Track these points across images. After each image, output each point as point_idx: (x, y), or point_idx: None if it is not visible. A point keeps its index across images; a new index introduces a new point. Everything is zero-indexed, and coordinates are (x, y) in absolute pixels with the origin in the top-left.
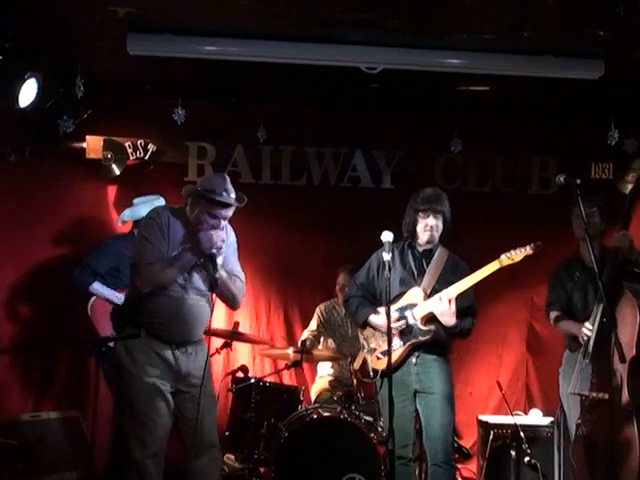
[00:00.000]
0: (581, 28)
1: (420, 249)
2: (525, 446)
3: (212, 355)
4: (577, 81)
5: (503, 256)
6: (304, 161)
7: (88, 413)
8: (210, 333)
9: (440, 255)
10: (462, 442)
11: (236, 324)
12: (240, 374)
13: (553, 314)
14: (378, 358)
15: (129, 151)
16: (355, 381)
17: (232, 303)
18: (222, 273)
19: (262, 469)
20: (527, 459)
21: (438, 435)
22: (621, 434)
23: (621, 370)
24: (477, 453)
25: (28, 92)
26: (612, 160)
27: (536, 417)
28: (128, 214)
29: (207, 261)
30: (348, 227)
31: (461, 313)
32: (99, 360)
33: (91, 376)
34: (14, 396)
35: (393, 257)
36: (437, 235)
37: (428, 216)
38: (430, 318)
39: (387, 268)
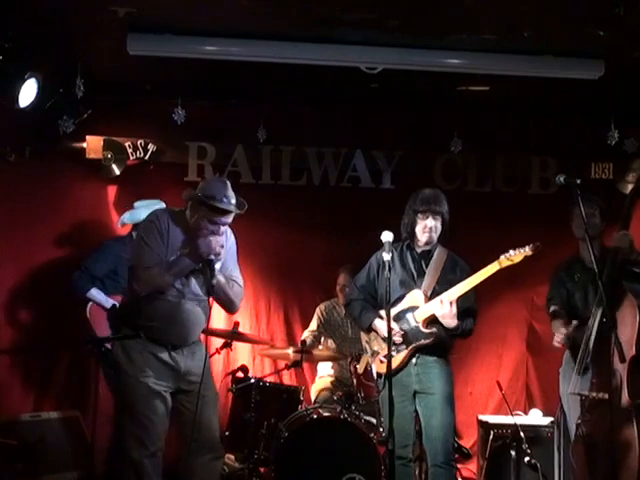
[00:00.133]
0: (581, 28)
1: (419, 250)
2: (525, 446)
3: (212, 355)
4: (577, 81)
5: (502, 257)
6: (304, 161)
7: (88, 413)
8: (210, 333)
9: (439, 255)
10: (462, 442)
11: (236, 324)
12: (240, 374)
13: (552, 308)
14: (381, 362)
15: (129, 151)
16: (355, 381)
17: (230, 308)
18: (220, 278)
19: (262, 469)
20: (527, 459)
21: (438, 436)
22: (621, 434)
23: (621, 370)
24: (477, 453)
25: (28, 92)
26: (612, 160)
27: (536, 417)
28: (128, 217)
29: (205, 266)
30: (348, 227)
31: (462, 314)
32: (99, 360)
33: (91, 376)
34: (14, 396)
35: (392, 258)
36: (436, 236)
37: (427, 217)
38: (432, 320)
39: (387, 268)
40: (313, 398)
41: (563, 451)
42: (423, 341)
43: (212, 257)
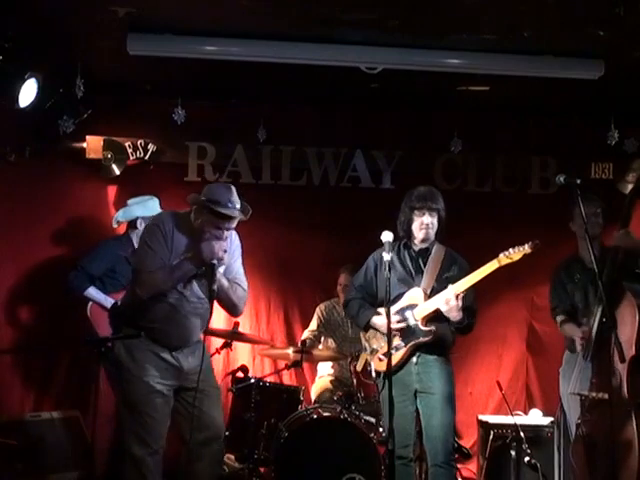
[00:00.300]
0: (581, 28)
1: (416, 248)
2: (525, 446)
3: (212, 355)
4: (577, 81)
5: (502, 255)
6: (304, 161)
7: (88, 413)
8: (210, 333)
9: (437, 253)
10: (462, 442)
11: (236, 324)
12: (240, 374)
13: (559, 318)
14: (380, 360)
15: (129, 151)
16: (355, 381)
17: (233, 311)
18: (223, 282)
19: (262, 469)
20: (527, 459)
21: (438, 435)
22: (621, 434)
23: (621, 370)
24: (477, 453)
25: (28, 92)
26: (612, 160)
27: (536, 417)
28: (122, 215)
29: (207, 270)
30: (348, 227)
31: (463, 311)
32: (99, 360)
33: (91, 376)
34: (14, 396)
35: (391, 257)
36: (433, 233)
37: (423, 214)
38: (431, 318)
39: (387, 268)
40: (313, 398)
41: (563, 451)
42: (422, 339)
43: (215, 262)
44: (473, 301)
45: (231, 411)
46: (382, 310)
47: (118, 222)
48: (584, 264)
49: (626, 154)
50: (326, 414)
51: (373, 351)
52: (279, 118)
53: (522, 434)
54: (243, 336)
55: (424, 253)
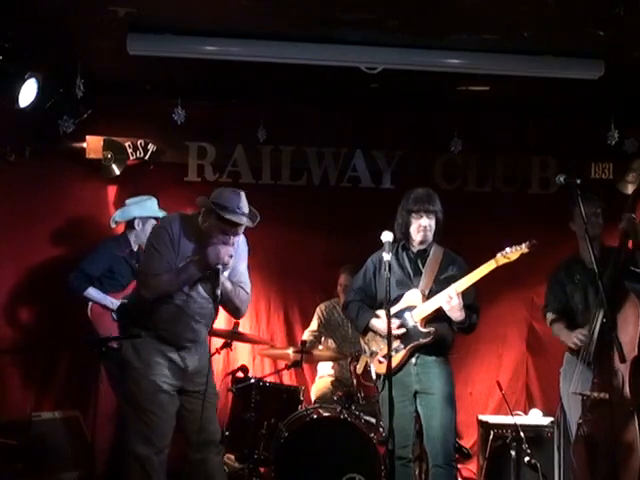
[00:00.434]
0: (581, 28)
1: (414, 250)
2: (525, 446)
3: (212, 355)
4: (577, 81)
5: (499, 255)
6: (304, 161)
7: (88, 413)
8: (210, 333)
9: (435, 254)
10: (462, 442)
11: (236, 324)
12: (240, 374)
13: (549, 316)
14: (380, 362)
15: (129, 151)
16: (355, 381)
17: (235, 313)
18: (226, 285)
19: (262, 469)
20: (527, 459)
21: (438, 436)
22: (622, 434)
23: (623, 370)
24: (477, 453)
25: (28, 92)
26: (612, 160)
27: (536, 417)
28: (119, 215)
29: (212, 274)
30: (348, 227)
31: (465, 310)
32: (99, 360)
33: (91, 376)
34: (14, 396)
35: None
36: (431, 235)
37: (421, 217)
38: (430, 319)
39: (387, 268)
40: (313, 398)
41: (563, 451)
42: (421, 340)
43: (219, 266)
44: (474, 300)
45: (231, 411)
46: (381, 312)
47: (116, 222)
48: (584, 264)
49: (626, 154)
50: (326, 414)
51: (373, 353)
52: (279, 118)
53: (522, 434)
54: (243, 336)
55: (422, 255)
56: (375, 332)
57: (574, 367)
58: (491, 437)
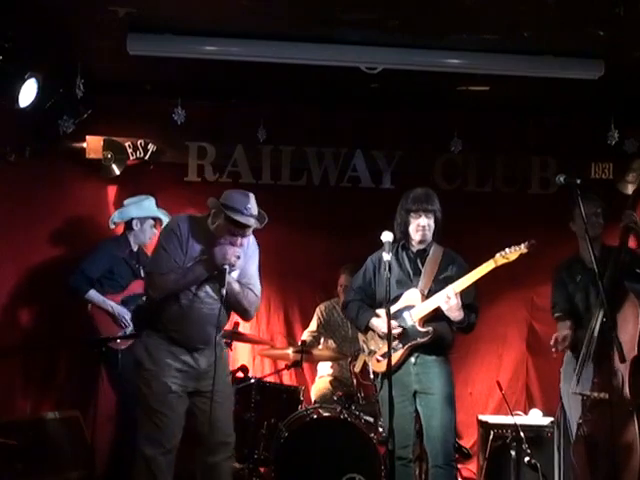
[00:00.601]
0: (581, 28)
1: (414, 249)
2: (525, 446)
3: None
4: (577, 81)
5: (498, 255)
6: (304, 161)
7: (88, 413)
8: None
9: (434, 253)
10: (462, 442)
11: (236, 324)
12: (240, 374)
13: (556, 315)
14: (378, 361)
15: (129, 151)
16: (355, 381)
17: (244, 315)
18: (234, 286)
19: (262, 469)
20: (527, 459)
21: (438, 436)
22: (622, 434)
23: (622, 370)
24: (477, 453)
25: (28, 92)
26: (612, 160)
27: (536, 417)
28: (117, 216)
29: (219, 274)
30: (348, 227)
31: (464, 309)
32: (99, 360)
33: (91, 376)
34: (14, 396)
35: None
36: (430, 234)
37: (420, 216)
38: (430, 318)
39: (387, 268)
40: (313, 398)
41: (563, 451)
42: (420, 340)
43: (226, 266)
44: (473, 299)
45: None
46: (381, 312)
47: (115, 223)
48: (585, 264)
49: (626, 154)
50: (326, 414)
51: (371, 352)
52: (279, 118)
53: (522, 434)
54: (243, 336)
55: (422, 254)
56: (374, 331)
57: (574, 367)
58: (491, 437)
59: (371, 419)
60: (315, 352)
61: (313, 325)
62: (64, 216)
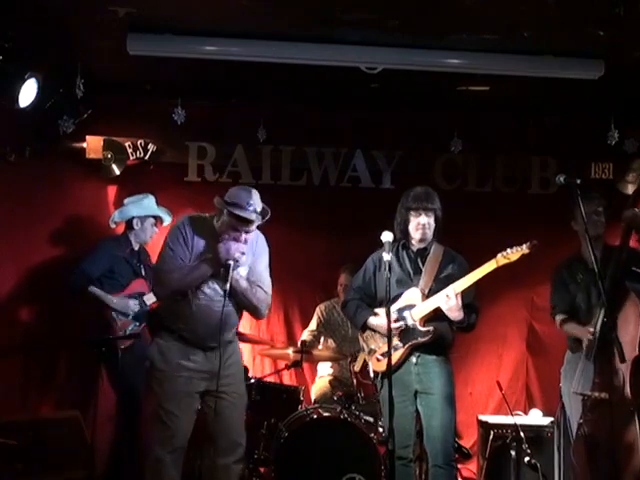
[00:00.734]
0: (581, 28)
1: (414, 248)
2: (525, 446)
3: None
4: (577, 81)
5: (499, 255)
6: (304, 161)
7: (88, 413)
8: None
9: (435, 252)
10: (462, 442)
11: None
12: None
13: (559, 317)
14: (378, 360)
15: (129, 151)
16: (355, 381)
17: (255, 313)
18: (241, 283)
19: (262, 469)
20: (527, 459)
21: (438, 436)
22: (623, 434)
23: (624, 370)
24: (477, 453)
25: (28, 92)
26: (612, 160)
27: (536, 417)
28: (118, 216)
29: (225, 271)
30: (348, 227)
31: (464, 309)
32: (99, 360)
33: (91, 376)
34: (14, 396)
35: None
36: (430, 233)
37: (420, 215)
38: (430, 318)
39: (387, 268)
40: (313, 398)
41: (563, 451)
42: (420, 339)
43: (230, 262)
44: (473, 299)
45: None
46: (379, 310)
47: (115, 222)
48: (587, 264)
49: (626, 154)
50: (326, 414)
51: (371, 351)
52: (279, 118)
53: (522, 434)
54: (243, 336)
55: (422, 253)
56: (374, 330)
57: (575, 367)
58: (491, 437)
59: (371, 419)
60: (315, 352)
61: (313, 325)
62: (64, 216)
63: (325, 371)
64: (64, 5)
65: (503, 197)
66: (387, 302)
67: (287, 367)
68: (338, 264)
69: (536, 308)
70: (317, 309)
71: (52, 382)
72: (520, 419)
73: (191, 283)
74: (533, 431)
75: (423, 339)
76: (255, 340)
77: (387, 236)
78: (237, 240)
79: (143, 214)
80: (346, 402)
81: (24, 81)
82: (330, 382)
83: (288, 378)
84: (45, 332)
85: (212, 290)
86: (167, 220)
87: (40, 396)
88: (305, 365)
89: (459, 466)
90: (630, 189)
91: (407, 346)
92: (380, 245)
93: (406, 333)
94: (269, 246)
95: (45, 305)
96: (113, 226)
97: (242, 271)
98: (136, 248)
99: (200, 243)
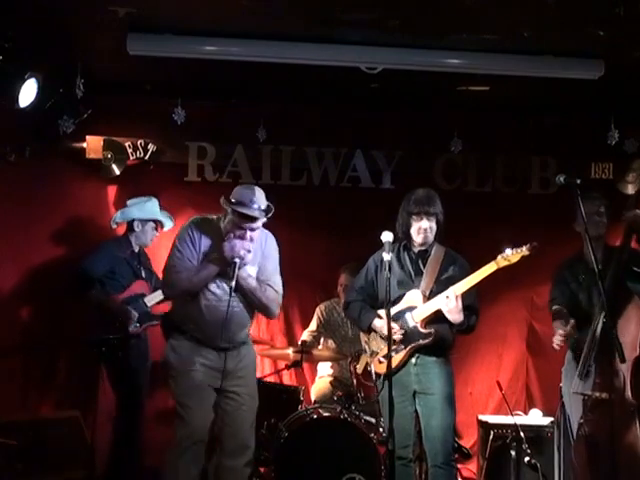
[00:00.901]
0: (581, 28)
1: (416, 250)
2: (525, 446)
3: None
4: (577, 81)
5: (499, 257)
6: (304, 161)
7: (88, 413)
8: None
9: (436, 254)
10: (462, 442)
11: None
12: None
13: (553, 308)
14: (380, 362)
15: (129, 151)
16: (355, 381)
17: (265, 312)
18: (250, 282)
19: (262, 469)
20: (527, 459)
21: (438, 436)
22: (623, 434)
23: (624, 370)
24: (477, 453)
25: (28, 92)
26: (612, 160)
27: (536, 417)
28: (119, 216)
29: (231, 270)
30: (348, 227)
31: (464, 311)
32: (99, 360)
33: (91, 376)
34: (14, 396)
35: (390, 259)
36: (431, 236)
37: (421, 219)
38: (430, 320)
39: (387, 268)
40: (313, 398)
41: (563, 451)
42: (421, 341)
43: (236, 260)
44: (474, 300)
45: None
46: (383, 313)
47: (116, 223)
48: (588, 264)
49: (626, 154)
50: (326, 414)
51: (373, 353)
52: (279, 118)
53: (522, 434)
54: None
55: (424, 255)
56: (377, 332)
57: (575, 366)
58: (491, 437)
59: (371, 419)
60: (315, 352)
61: (313, 325)
62: (64, 216)
63: (325, 371)
64: (64, 5)
65: (503, 197)
66: (387, 302)
67: (287, 367)
68: (338, 264)
69: (536, 308)
70: (317, 309)
71: (52, 382)
72: (520, 419)
73: (199, 283)
74: (533, 431)
75: (424, 341)
76: (255, 340)
77: (387, 236)
78: (242, 238)
79: (144, 217)
80: (346, 402)
81: (24, 81)
82: (330, 382)
83: (288, 378)
84: (45, 332)
85: (221, 290)
86: (168, 225)
87: (40, 396)
88: (305, 365)
89: (459, 466)
90: (630, 189)
91: (408, 348)
92: (380, 245)
93: (407, 335)
94: (279, 246)
95: (45, 305)
96: (114, 226)
97: (252, 271)
98: (136, 250)
99: (207, 244)
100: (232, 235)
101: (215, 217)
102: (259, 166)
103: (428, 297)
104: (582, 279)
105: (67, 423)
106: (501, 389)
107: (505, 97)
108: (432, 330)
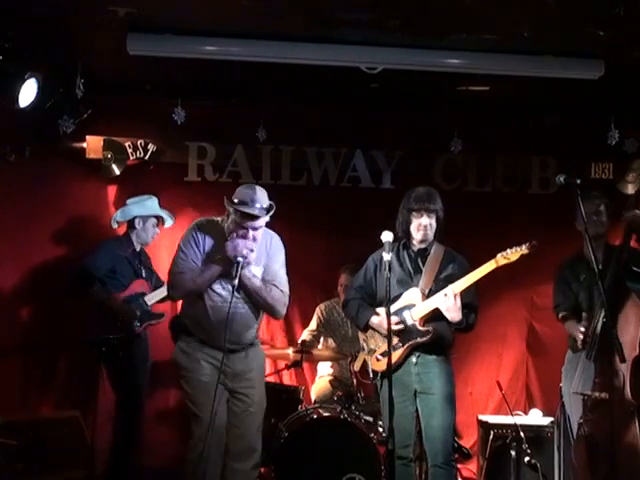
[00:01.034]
0: (581, 28)
1: (415, 248)
2: (525, 446)
3: None
4: (577, 81)
5: (499, 255)
6: (304, 161)
7: (88, 413)
8: None
9: (436, 253)
10: (462, 442)
11: None
12: None
13: (561, 315)
14: (378, 360)
15: (129, 151)
16: (355, 381)
17: (271, 312)
18: (254, 281)
19: (262, 469)
20: (527, 459)
21: (438, 436)
22: (623, 435)
23: (624, 370)
24: (477, 453)
25: (28, 92)
26: (612, 160)
27: (536, 417)
28: (120, 215)
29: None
30: (348, 227)
31: (463, 309)
32: (99, 360)
33: (91, 376)
34: (14, 396)
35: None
36: (431, 234)
37: (421, 215)
38: (430, 318)
39: (387, 268)
40: (313, 398)
41: (563, 451)
42: (419, 339)
43: (239, 259)
44: (473, 298)
45: None
46: (381, 310)
47: (117, 222)
48: (589, 264)
49: (626, 154)
50: (326, 414)
51: (370, 351)
52: (279, 118)
53: (522, 434)
54: None
55: (423, 253)
56: (374, 330)
57: (575, 366)
58: (491, 437)
59: (371, 419)
60: (315, 352)
61: (313, 325)
62: (64, 216)
63: (325, 371)
64: (64, 5)
65: (503, 197)
66: (387, 302)
67: (287, 367)
68: (338, 264)
69: (536, 308)
70: (317, 309)
71: (52, 382)
72: (520, 419)
73: (203, 284)
74: (533, 431)
75: (422, 339)
76: None
77: (387, 236)
78: (245, 237)
79: (145, 214)
80: (346, 402)
81: (24, 81)
82: (330, 382)
83: (288, 378)
84: (45, 332)
85: (227, 291)
86: (169, 222)
87: (40, 396)
88: (305, 365)
89: (459, 466)
90: (630, 189)
91: (406, 346)
92: (380, 245)
93: (406, 333)
94: (285, 247)
95: (45, 305)
96: (115, 226)
97: (256, 271)
98: (138, 249)
99: (211, 245)
100: (235, 235)
101: (219, 219)
102: (259, 166)
103: (427, 295)
104: (583, 278)
105: (67, 423)
106: (501, 389)
107: (505, 97)
108: (430, 328)
